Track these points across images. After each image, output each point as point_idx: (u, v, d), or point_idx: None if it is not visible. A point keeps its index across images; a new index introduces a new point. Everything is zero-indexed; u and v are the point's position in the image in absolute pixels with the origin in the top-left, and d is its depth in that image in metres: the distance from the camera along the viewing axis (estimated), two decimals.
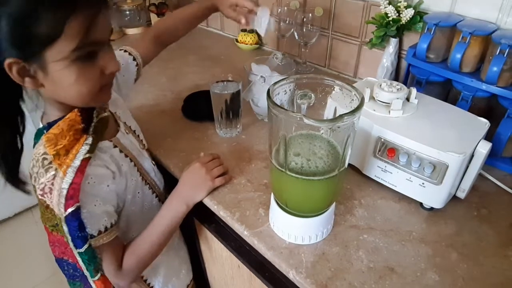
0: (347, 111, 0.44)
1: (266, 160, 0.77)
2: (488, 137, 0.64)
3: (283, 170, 0.51)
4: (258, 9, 0.81)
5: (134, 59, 0.77)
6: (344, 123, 0.44)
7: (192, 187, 0.68)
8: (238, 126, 0.84)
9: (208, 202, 0.68)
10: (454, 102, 0.75)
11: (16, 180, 0.56)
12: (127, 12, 1.51)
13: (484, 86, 0.73)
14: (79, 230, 0.54)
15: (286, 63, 0.86)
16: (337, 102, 0.54)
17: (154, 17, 1.48)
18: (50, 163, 0.52)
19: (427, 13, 0.85)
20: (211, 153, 0.75)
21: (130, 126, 0.71)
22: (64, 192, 0.51)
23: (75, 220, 0.53)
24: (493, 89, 0.72)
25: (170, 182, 0.73)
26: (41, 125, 0.56)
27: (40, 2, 0.43)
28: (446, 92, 0.82)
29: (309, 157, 0.51)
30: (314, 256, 0.57)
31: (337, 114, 0.54)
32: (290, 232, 0.58)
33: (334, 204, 0.59)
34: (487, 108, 0.76)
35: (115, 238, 0.60)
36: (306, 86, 0.53)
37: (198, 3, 0.85)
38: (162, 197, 0.75)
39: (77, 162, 0.52)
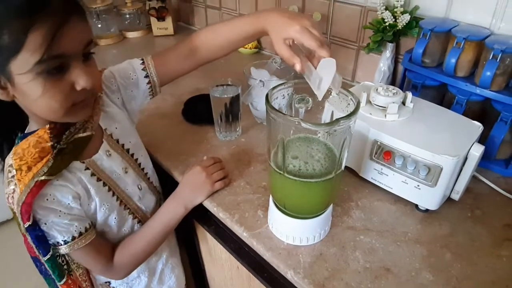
0: (344, 115, 0.45)
1: (265, 163, 0.78)
2: (482, 140, 0.65)
3: (281, 172, 0.52)
4: (322, 60, 0.54)
5: (147, 76, 0.68)
6: (340, 127, 0.45)
7: (192, 190, 0.69)
8: (237, 130, 0.86)
9: (207, 204, 0.70)
10: (449, 106, 0.77)
11: None
12: (127, 16, 1.53)
13: (478, 90, 0.74)
14: (38, 242, 0.54)
15: (285, 68, 0.87)
16: (333, 106, 0.55)
17: (154, 21, 1.50)
18: (13, 177, 0.51)
19: (423, 18, 0.86)
20: (213, 156, 0.76)
21: (123, 145, 0.65)
22: (19, 208, 0.51)
23: (33, 233, 0.53)
24: (487, 93, 0.73)
25: (171, 184, 0.74)
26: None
27: (1, 14, 0.42)
28: (441, 96, 0.84)
29: (306, 160, 0.53)
30: (311, 256, 0.58)
31: (334, 118, 0.56)
32: (288, 233, 0.59)
33: (331, 206, 0.61)
34: (481, 111, 0.78)
35: (94, 240, 0.59)
36: (304, 90, 0.55)
37: (248, 21, 0.65)
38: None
39: (31, 183, 0.50)
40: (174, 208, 0.68)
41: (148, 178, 0.73)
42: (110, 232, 0.65)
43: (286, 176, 0.52)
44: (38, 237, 0.54)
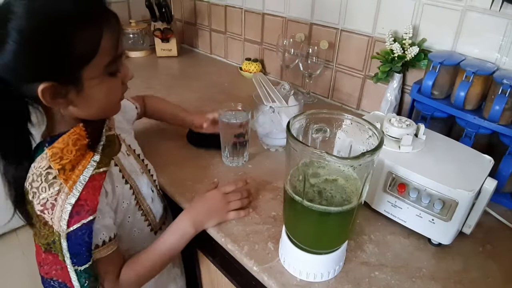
0: (364, 147, 0.44)
1: (274, 191, 0.76)
2: (490, 173, 0.65)
3: (301, 199, 0.50)
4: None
5: (136, 107, 0.84)
6: (365, 161, 0.44)
7: (206, 213, 0.66)
8: (244, 155, 0.84)
9: (214, 234, 0.67)
10: (457, 138, 0.77)
11: (24, 205, 0.54)
12: (131, 36, 1.53)
13: (486, 124, 0.75)
14: (80, 248, 0.52)
15: (294, 94, 0.87)
16: (352, 138, 0.54)
17: (158, 42, 1.50)
18: (55, 177, 0.51)
19: (430, 51, 0.88)
20: (238, 181, 0.73)
21: (134, 150, 0.70)
22: (69, 208, 0.50)
23: (77, 237, 0.51)
24: (495, 126, 0.74)
25: (174, 210, 0.71)
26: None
27: (73, 24, 0.46)
28: (449, 127, 0.84)
29: (326, 187, 0.51)
30: None
31: (352, 149, 0.55)
32: (302, 268, 0.56)
33: (347, 240, 0.59)
34: (489, 144, 0.78)
35: (114, 252, 0.58)
36: (321, 120, 0.54)
37: (181, 109, 0.92)
38: (156, 227, 0.73)
39: (84, 178, 0.52)
40: (184, 227, 0.65)
41: (157, 186, 0.74)
42: (123, 235, 0.64)
43: (305, 204, 0.49)
44: (83, 241, 0.52)
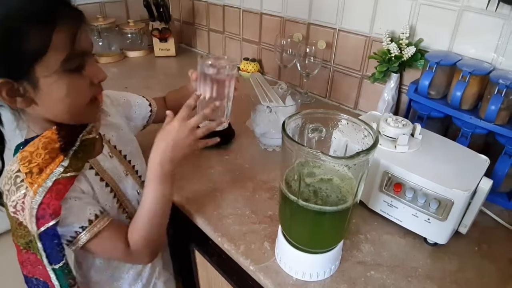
0: (359, 147, 0.45)
1: (270, 191, 0.76)
2: (486, 173, 0.65)
3: (296, 198, 0.50)
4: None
5: (150, 105, 0.81)
6: (360, 160, 0.44)
7: (171, 147, 0.60)
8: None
9: (211, 233, 0.67)
10: (453, 138, 0.77)
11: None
12: (129, 35, 1.53)
13: (482, 124, 0.75)
14: (52, 247, 0.52)
15: (291, 94, 0.87)
16: (348, 137, 0.54)
17: (156, 42, 1.50)
18: (22, 181, 0.51)
19: (426, 51, 0.88)
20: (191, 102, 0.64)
21: (120, 151, 0.67)
22: (34, 211, 0.50)
23: (48, 238, 0.52)
24: (491, 126, 0.74)
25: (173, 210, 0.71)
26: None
27: (22, 20, 0.45)
28: (445, 127, 0.85)
29: (321, 186, 0.51)
30: None
31: (348, 149, 0.55)
32: (297, 268, 0.57)
33: (342, 240, 0.59)
34: (485, 144, 0.78)
35: (112, 221, 0.58)
36: (317, 120, 0.54)
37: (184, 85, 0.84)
38: None
39: (49, 183, 0.51)
40: (154, 170, 0.59)
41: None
42: None
43: (301, 203, 0.50)
44: (53, 243, 0.52)
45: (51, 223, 0.51)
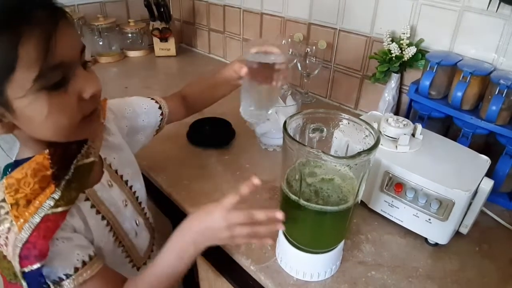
0: (360, 147, 0.45)
1: (271, 191, 0.76)
2: (487, 173, 0.65)
3: (297, 198, 0.50)
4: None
5: (160, 108, 0.73)
6: (361, 160, 0.44)
7: (201, 236, 0.53)
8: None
9: None
10: (454, 138, 0.77)
11: None
12: (129, 35, 1.53)
13: (483, 124, 0.75)
14: (43, 283, 0.45)
15: (292, 94, 0.87)
16: (349, 137, 0.54)
17: (156, 41, 1.50)
18: (7, 213, 0.44)
19: (427, 51, 0.88)
20: (245, 185, 0.53)
21: (121, 176, 0.61)
22: (18, 250, 0.44)
23: (33, 279, 0.45)
24: (492, 127, 0.74)
25: (173, 211, 0.71)
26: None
27: None
28: (446, 127, 0.85)
29: (322, 186, 0.51)
30: None
31: (349, 149, 0.55)
32: (298, 268, 0.56)
33: (343, 240, 0.59)
34: (485, 144, 0.78)
35: (102, 269, 0.50)
36: (319, 120, 0.54)
37: (212, 74, 0.77)
38: (140, 263, 0.64)
39: (37, 218, 0.44)
40: (182, 244, 0.54)
41: (145, 214, 0.67)
42: None
43: (302, 203, 0.50)
44: (39, 282, 0.45)
45: (35, 266, 0.44)
